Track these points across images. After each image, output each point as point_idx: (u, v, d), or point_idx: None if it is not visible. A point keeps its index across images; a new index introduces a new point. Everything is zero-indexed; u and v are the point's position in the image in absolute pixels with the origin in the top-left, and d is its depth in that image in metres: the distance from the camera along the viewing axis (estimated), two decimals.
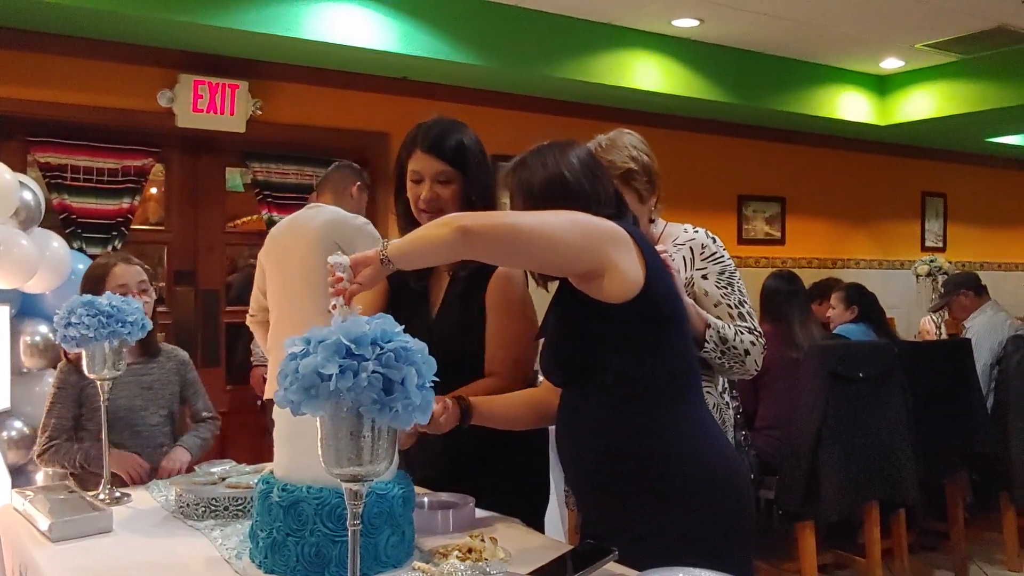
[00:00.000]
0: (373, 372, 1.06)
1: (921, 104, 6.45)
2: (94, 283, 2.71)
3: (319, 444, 1.13)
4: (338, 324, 1.09)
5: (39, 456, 2.67)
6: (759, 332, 2.14)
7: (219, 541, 1.77)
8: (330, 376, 1.04)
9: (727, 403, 2.30)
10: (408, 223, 2.23)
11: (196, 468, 2.20)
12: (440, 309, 2.18)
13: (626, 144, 2.22)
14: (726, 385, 2.35)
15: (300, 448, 1.56)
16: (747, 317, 2.14)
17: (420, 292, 2.21)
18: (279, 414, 1.68)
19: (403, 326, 1.15)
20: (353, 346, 1.06)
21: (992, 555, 4.41)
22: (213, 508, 1.93)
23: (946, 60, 6.12)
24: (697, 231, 2.24)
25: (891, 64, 6.28)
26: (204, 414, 2.88)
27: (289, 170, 5.10)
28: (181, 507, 1.97)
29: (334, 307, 1.62)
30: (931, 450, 3.98)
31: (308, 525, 1.53)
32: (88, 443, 2.64)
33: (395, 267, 1.67)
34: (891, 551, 3.92)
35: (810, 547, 3.63)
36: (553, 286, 1.92)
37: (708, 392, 2.19)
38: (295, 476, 1.59)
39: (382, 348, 1.07)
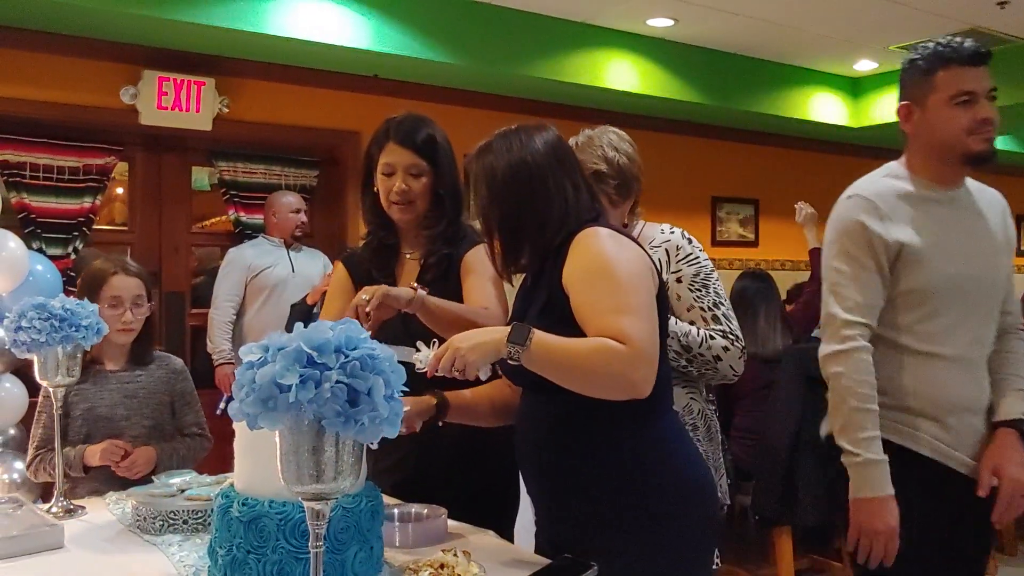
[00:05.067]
0: (337, 382, 0.97)
1: (894, 106, 6.41)
2: (90, 289, 2.53)
3: (278, 459, 1.04)
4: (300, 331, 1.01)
5: (28, 468, 2.53)
6: (735, 336, 2.06)
7: (176, 557, 1.68)
8: (289, 387, 0.96)
9: (712, 410, 2.23)
10: (376, 217, 2.20)
11: (154, 479, 2.10)
12: None
13: (602, 143, 2.14)
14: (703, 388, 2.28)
15: (262, 459, 1.46)
16: (722, 320, 2.06)
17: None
18: (239, 423, 1.59)
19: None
20: (315, 354, 0.98)
21: None
22: (171, 522, 1.84)
23: None
24: (673, 232, 2.16)
25: (864, 66, 6.28)
26: (193, 428, 2.62)
27: (257, 169, 4.98)
28: (137, 521, 1.88)
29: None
30: None
31: (270, 542, 1.44)
32: (66, 448, 2.42)
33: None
34: None
35: (787, 552, 3.59)
36: (518, 279, 1.85)
37: (692, 399, 2.13)
38: (257, 489, 1.50)
39: (347, 356, 0.99)
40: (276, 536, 1.44)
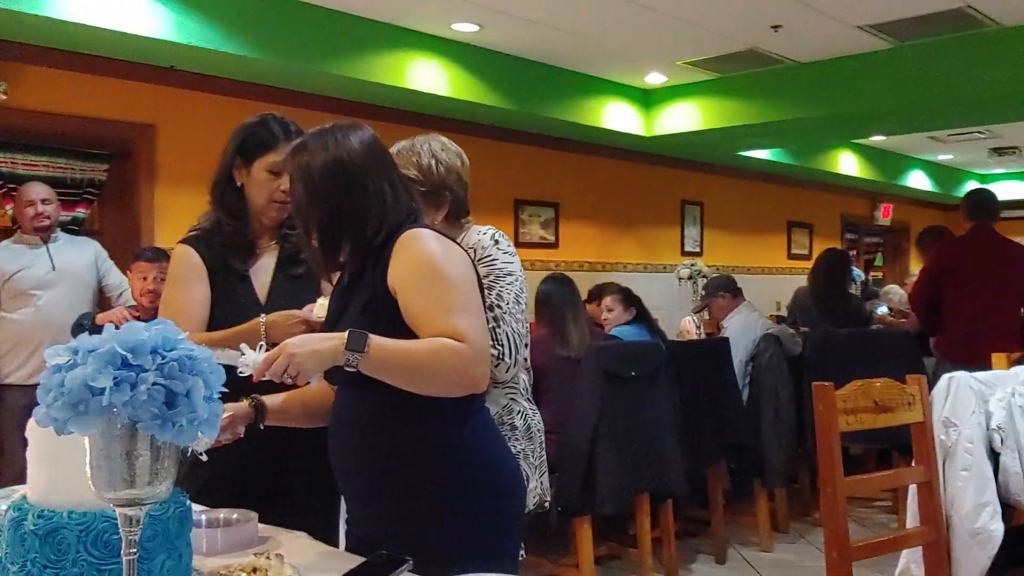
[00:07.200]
0: (154, 384, 0.95)
1: (681, 117, 6.87)
2: None
3: (88, 465, 1.01)
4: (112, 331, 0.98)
5: None
6: (496, 340, 2.03)
7: None
8: (103, 389, 0.93)
9: (533, 410, 2.29)
10: (236, 210, 2.16)
11: None
12: (272, 292, 2.14)
13: (419, 151, 2.13)
14: (526, 387, 2.31)
15: (61, 468, 1.39)
16: (494, 320, 2.03)
17: (244, 274, 2.16)
18: (35, 430, 1.50)
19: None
20: (130, 355, 0.95)
21: (747, 538, 4.75)
22: None
23: (704, 77, 6.55)
24: (486, 233, 2.17)
25: (655, 79, 6.64)
26: None
27: (39, 162, 4.64)
28: None
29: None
30: (694, 442, 4.23)
31: (70, 555, 1.37)
32: None
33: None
34: (660, 540, 4.12)
35: (587, 541, 3.75)
36: (335, 276, 1.86)
37: (512, 399, 2.19)
38: (54, 500, 1.42)
39: (164, 357, 0.97)
40: (76, 548, 1.37)
